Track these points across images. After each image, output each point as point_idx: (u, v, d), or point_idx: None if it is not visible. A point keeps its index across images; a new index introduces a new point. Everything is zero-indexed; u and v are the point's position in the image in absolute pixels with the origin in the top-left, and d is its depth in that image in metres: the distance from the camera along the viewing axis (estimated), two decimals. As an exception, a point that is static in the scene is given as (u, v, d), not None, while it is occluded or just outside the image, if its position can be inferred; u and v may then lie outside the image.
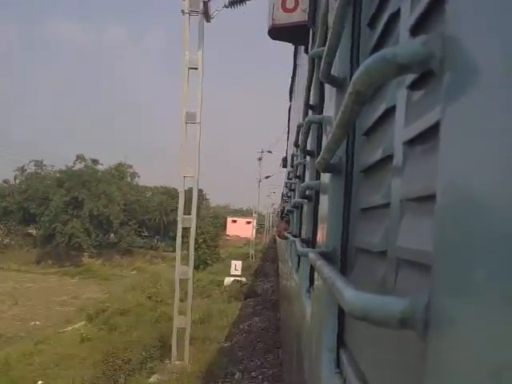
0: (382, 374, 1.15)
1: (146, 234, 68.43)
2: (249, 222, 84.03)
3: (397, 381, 1.00)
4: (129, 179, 69.23)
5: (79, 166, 62.43)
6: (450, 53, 0.64)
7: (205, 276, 33.15)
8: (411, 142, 1.01)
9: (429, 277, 0.69)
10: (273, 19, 5.05)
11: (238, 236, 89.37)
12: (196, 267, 32.31)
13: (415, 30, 1.00)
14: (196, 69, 12.81)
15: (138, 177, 71.65)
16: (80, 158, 62.61)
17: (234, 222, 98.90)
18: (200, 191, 72.06)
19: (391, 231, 1.11)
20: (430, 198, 0.75)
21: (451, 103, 0.63)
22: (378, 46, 1.42)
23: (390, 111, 1.23)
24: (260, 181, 34.64)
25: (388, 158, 1.21)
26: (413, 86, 1.02)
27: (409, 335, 0.74)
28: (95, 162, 63.85)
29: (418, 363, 0.75)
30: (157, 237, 71.61)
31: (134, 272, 50.94)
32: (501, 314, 0.48)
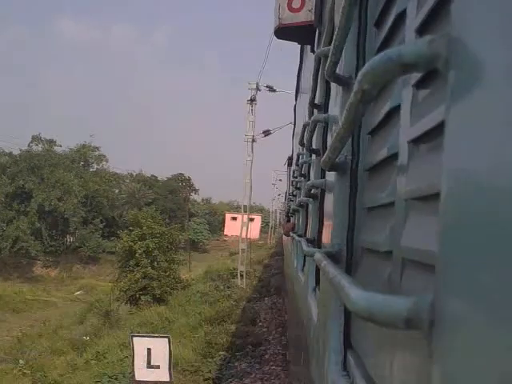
0: (389, 376, 1.15)
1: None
2: (252, 219, 76.16)
3: (404, 382, 1.00)
4: (95, 165, 52.89)
5: (37, 149, 48.26)
6: (456, 52, 0.64)
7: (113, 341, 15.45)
8: (416, 141, 1.01)
9: (434, 276, 0.69)
10: (279, 19, 5.07)
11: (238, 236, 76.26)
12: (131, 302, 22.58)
13: (421, 30, 1.00)
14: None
15: (106, 161, 53.84)
16: (36, 139, 48.81)
17: (234, 219, 76.97)
18: (187, 180, 69.24)
19: (396, 230, 1.11)
20: (435, 197, 0.75)
21: (456, 102, 0.63)
22: (383, 46, 1.42)
23: (395, 110, 1.23)
24: (254, 141, 29.69)
25: (393, 157, 1.21)
26: (418, 85, 1.02)
27: (415, 336, 0.74)
28: (52, 142, 49.25)
29: (425, 364, 0.74)
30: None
31: (79, 293, 37.12)
32: (506, 313, 0.48)
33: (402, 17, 1.21)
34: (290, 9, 4.98)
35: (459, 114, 0.63)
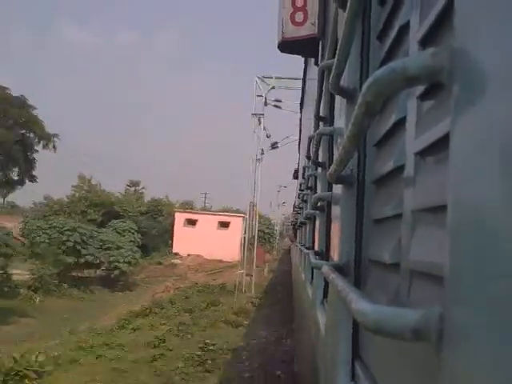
0: (397, 387, 1.14)
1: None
2: (225, 225, 45.45)
3: None
4: None
5: None
6: (459, 65, 0.64)
7: None
8: (422, 153, 1.01)
9: (442, 288, 0.68)
10: (282, 33, 5.10)
11: (201, 257, 42.88)
12: None
13: (424, 42, 1.01)
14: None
15: None
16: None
17: (191, 223, 47.21)
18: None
19: (404, 242, 1.11)
20: (442, 208, 0.75)
21: (460, 114, 0.64)
22: (387, 58, 1.42)
23: (400, 122, 1.23)
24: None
25: (399, 169, 1.21)
26: (423, 97, 1.03)
27: (423, 348, 0.73)
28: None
29: (434, 376, 0.74)
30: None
31: None
32: None
33: (405, 29, 1.21)
34: (293, 22, 5.02)
35: (464, 125, 0.63)
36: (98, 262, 31.91)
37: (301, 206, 9.13)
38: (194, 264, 41.18)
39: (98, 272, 33.70)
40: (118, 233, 36.68)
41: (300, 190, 8.80)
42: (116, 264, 32.11)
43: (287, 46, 5.27)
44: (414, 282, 1.02)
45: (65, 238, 30.58)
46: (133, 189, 54.63)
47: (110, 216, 42.51)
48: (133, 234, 37.65)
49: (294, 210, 20.67)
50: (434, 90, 0.93)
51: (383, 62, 1.45)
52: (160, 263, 41.74)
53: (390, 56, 1.40)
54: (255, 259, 30.23)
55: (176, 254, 44.93)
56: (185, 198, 61.65)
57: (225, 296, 25.60)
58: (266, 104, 29.45)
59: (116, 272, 32.23)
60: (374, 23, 1.66)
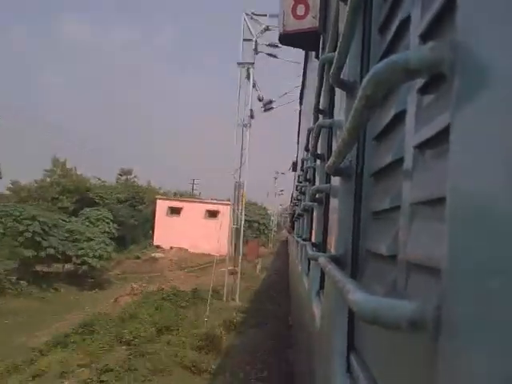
0: (392, 378, 1.16)
1: None
2: (214, 214, 39.82)
3: None
4: None
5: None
6: (460, 58, 0.64)
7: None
8: (422, 146, 1.01)
9: (439, 280, 0.69)
10: (283, 25, 5.09)
11: (186, 251, 38.50)
12: None
13: (426, 36, 1.01)
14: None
15: None
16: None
17: (175, 212, 42.40)
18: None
19: (401, 235, 1.11)
20: (441, 201, 0.75)
21: (461, 107, 0.64)
22: (388, 52, 1.42)
23: (400, 115, 1.24)
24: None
25: (398, 162, 1.22)
26: (423, 90, 1.03)
27: (419, 339, 0.74)
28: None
29: (429, 367, 0.75)
30: None
31: None
32: (511, 317, 0.48)
33: (406, 22, 1.21)
34: (295, 15, 5.01)
35: (464, 118, 0.64)
36: (61, 255, 27.08)
37: (299, 197, 9.13)
38: (177, 258, 36.52)
39: (68, 267, 28.87)
40: (91, 222, 32.45)
41: (298, 181, 8.80)
42: (85, 258, 27.85)
43: (288, 38, 5.26)
44: (412, 273, 1.03)
45: (22, 228, 25.65)
46: (124, 177, 50.41)
47: (84, 204, 37.47)
48: (108, 223, 33.41)
49: (291, 202, 20.30)
50: (434, 83, 0.94)
51: (384, 56, 1.45)
52: (138, 257, 36.58)
53: (390, 49, 1.40)
54: (240, 255, 23.33)
55: (157, 246, 40.05)
56: (180, 188, 58.10)
57: (197, 306, 18.49)
58: (256, 51, 21.85)
59: (84, 267, 28.03)
60: (375, 17, 1.65)
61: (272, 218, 59.35)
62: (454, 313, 0.62)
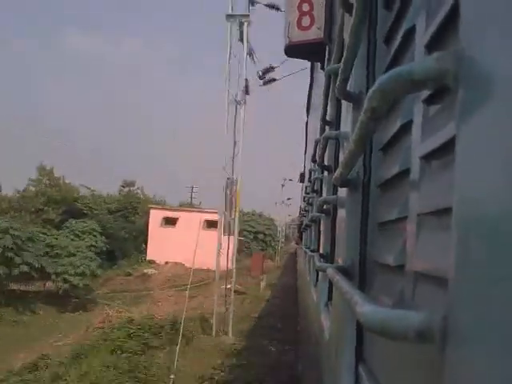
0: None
1: None
2: (214, 225, 27.77)
3: None
4: None
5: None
6: (464, 68, 0.65)
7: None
8: (428, 157, 1.01)
9: (447, 291, 0.69)
10: (289, 37, 5.13)
11: (180, 265, 34.08)
12: None
13: (431, 46, 1.01)
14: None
15: None
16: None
17: (171, 223, 38.84)
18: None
19: (409, 245, 1.11)
20: (447, 212, 0.75)
21: (466, 118, 0.64)
22: (393, 62, 1.43)
23: (406, 126, 1.24)
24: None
25: (405, 173, 1.22)
26: (429, 101, 1.03)
27: (427, 350, 0.74)
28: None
29: (437, 378, 0.74)
30: None
31: None
32: None
33: (411, 33, 1.22)
34: (300, 27, 5.04)
35: (469, 129, 0.64)
36: (38, 273, 24.26)
37: (306, 208, 9.14)
38: (171, 274, 32.91)
39: (49, 285, 26.01)
40: (77, 235, 29.68)
41: (306, 192, 8.81)
42: (65, 276, 24.85)
43: (293, 50, 5.30)
44: (419, 284, 1.03)
45: (-8, 243, 22.23)
46: (127, 189, 46.71)
47: (72, 215, 34.22)
48: (95, 236, 30.66)
49: (299, 213, 20.13)
50: (439, 93, 0.94)
51: (389, 67, 1.45)
52: (129, 274, 33.14)
53: (396, 60, 1.41)
54: (233, 271, 17.68)
55: (151, 261, 36.29)
56: (181, 199, 53.78)
57: (173, 347, 12.26)
58: (253, 2, 15.31)
59: (65, 286, 24.98)
60: (380, 28, 1.66)
61: (279, 228, 56.31)
62: (461, 323, 0.62)
